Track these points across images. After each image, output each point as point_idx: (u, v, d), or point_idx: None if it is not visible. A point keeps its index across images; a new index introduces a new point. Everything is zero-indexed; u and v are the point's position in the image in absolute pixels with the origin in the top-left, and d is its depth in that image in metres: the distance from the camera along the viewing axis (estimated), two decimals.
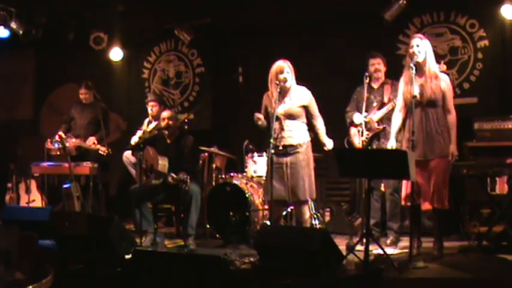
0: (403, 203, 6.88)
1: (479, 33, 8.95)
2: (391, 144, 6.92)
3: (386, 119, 7.70)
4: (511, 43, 8.72)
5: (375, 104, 7.74)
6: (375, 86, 7.83)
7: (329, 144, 7.11)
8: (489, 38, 8.90)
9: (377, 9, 9.08)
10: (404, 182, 6.84)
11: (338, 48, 9.44)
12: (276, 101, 6.86)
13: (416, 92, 6.54)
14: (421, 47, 6.65)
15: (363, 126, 7.63)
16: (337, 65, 9.31)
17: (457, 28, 9.09)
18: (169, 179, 7.56)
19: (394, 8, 8.97)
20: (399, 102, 6.97)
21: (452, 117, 6.68)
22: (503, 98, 8.65)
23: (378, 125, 7.72)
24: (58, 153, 9.58)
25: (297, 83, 7.05)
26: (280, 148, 6.85)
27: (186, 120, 8.90)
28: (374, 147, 7.68)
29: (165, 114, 8.17)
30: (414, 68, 6.56)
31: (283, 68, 6.90)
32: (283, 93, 6.95)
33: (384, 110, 7.73)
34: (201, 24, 10.54)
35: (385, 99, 7.79)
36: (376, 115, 7.73)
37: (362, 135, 7.59)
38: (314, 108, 7.04)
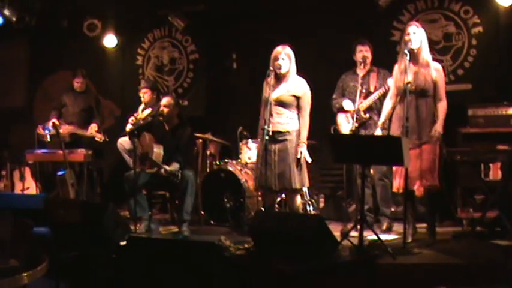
0: (395, 190, 6.93)
1: (474, 19, 8.95)
2: (378, 133, 6.94)
3: (373, 108, 7.72)
4: (505, 30, 8.71)
5: (363, 91, 7.69)
6: (361, 73, 7.78)
7: (308, 157, 7.03)
8: (483, 25, 8.90)
9: None
10: (394, 168, 6.88)
11: (332, 34, 9.41)
12: (270, 87, 6.87)
13: (409, 79, 6.56)
14: (417, 35, 6.69)
15: (353, 113, 7.64)
16: (331, 52, 9.27)
17: (451, 14, 9.07)
18: (162, 171, 7.59)
19: None
20: (391, 90, 7.00)
21: (443, 103, 6.74)
22: (497, 85, 8.65)
23: (365, 114, 7.71)
24: (49, 139, 9.58)
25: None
26: (270, 134, 6.84)
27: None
28: None
29: (164, 101, 8.17)
30: (409, 54, 6.58)
31: (279, 54, 6.89)
32: (279, 79, 6.95)
33: (371, 99, 7.71)
34: (194, 10, 10.52)
35: (371, 88, 7.77)
36: (363, 104, 7.71)
37: (354, 120, 7.58)
38: (305, 104, 6.97)
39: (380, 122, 7.01)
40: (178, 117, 8.25)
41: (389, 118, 7.04)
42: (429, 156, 6.66)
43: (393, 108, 6.95)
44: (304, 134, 6.97)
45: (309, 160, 7.03)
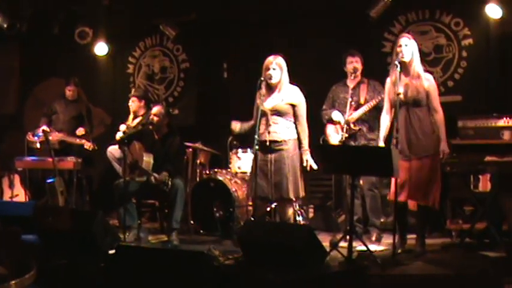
0: (389, 197, 6.91)
1: (464, 31, 8.98)
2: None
3: (363, 120, 7.72)
4: (496, 42, 8.74)
5: (351, 104, 7.69)
6: (351, 85, 7.78)
7: (314, 164, 7.01)
8: (473, 37, 8.93)
9: (362, 6, 9.09)
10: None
11: (322, 45, 9.42)
12: (262, 97, 6.88)
13: (400, 91, 6.57)
14: (409, 47, 6.70)
15: (343, 125, 7.64)
16: (321, 62, 9.29)
17: (441, 26, 9.10)
18: (152, 179, 7.59)
19: (380, 5, 8.98)
20: (385, 104, 6.99)
21: (439, 115, 6.71)
22: (487, 96, 8.68)
23: (354, 125, 7.71)
24: (38, 145, 9.57)
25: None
26: (267, 144, 6.85)
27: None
28: None
29: (154, 110, 8.18)
30: (399, 66, 6.60)
31: (270, 64, 6.89)
32: (270, 89, 6.96)
33: (361, 111, 7.70)
34: (186, 19, 10.52)
35: (362, 100, 7.76)
36: (353, 116, 7.70)
37: (344, 132, 7.59)
38: (301, 111, 6.97)
39: (381, 136, 6.99)
40: (168, 126, 8.26)
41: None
42: (423, 174, 6.66)
43: (391, 122, 6.92)
44: (306, 141, 6.97)
45: (315, 167, 7.01)
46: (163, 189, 7.63)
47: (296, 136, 6.97)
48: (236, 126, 7.35)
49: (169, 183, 7.60)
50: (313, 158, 7.01)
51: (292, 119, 6.97)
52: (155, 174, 7.62)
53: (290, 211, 7.09)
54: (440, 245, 7.29)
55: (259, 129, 6.84)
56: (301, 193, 7.05)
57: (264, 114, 6.88)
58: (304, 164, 6.94)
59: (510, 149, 7.32)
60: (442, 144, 6.69)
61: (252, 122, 7.24)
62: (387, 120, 6.96)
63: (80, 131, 9.55)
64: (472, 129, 7.81)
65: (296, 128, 6.98)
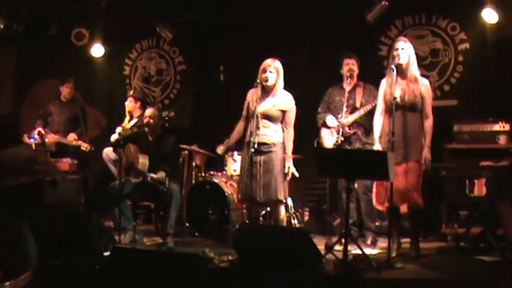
0: (374, 204, 6.93)
1: (460, 36, 8.99)
2: (377, 148, 6.92)
3: (358, 123, 7.72)
4: (492, 46, 8.75)
5: (346, 108, 7.68)
6: (348, 88, 7.80)
7: (295, 172, 7.06)
8: (470, 41, 8.94)
9: (359, 10, 9.10)
10: (375, 183, 6.89)
11: (319, 47, 9.43)
12: (257, 100, 6.87)
13: (397, 94, 6.58)
14: (406, 51, 6.71)
15: (339, 128, 7.65)
16: (319, 65, 9.30)
17: (438, 31, 9.12)
18: (148, 179, 7.57)
19: (376, 9, 8.98)
20: (379, 105, 6.99)
21: (429, 121, 6.76)
22: (483, 101, 8.69)
23: (349, 129, 7.71)
24: (34, 147, 9.54)
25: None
26: (256, 146, 6.83)
27: (166, 118, 8.90)
28: None
29: (148, 112, 8.17)
30: (395, 70, 6.60)
31: (267, 67, 6.88)
32: (265, 92, 6.94)
33: (356, 115, 7.70)
34: (183, 21, 10.52)
35: (357, 104, 7.76)
36: (348, 119, 7.70)
37: (339, 135, 7.59)
38: (290, 118, 6.97)
39: (376, 138, 6.98)
40: (162, 127, 8.26)
41: None
42: (414, 176, 6.68)
43: (386, 124, 6.92)
44: (290, 147, 6.95)
45: (297, 174, 7.04)
46: (159, 188, 7.60)
47: (283, 140, 6.96)
48: (220, 149, 7.40)
49: (167, 182, 7.58)
50: (307, 161, 7.02)
51: (281, 124, 6.98)
52: (151, 175, 7.60)
53: (282, 212, 7.08)
54: (436, 249, 7.30)
55: (250, 131, 6.85)
56: (287, 195, 7.09)
57: (255, 116, 6.87)
58: (286, 171, 6.91)
59: (505, 153, 7.35)
60: (425, 151, 6.71)
61: (238, 127, 7.25)
62: (380, 122, 6.95)
63: (71, 136, 9.54)
64: (467, 133, 7.84)
65: (283, 132, 6.98)
